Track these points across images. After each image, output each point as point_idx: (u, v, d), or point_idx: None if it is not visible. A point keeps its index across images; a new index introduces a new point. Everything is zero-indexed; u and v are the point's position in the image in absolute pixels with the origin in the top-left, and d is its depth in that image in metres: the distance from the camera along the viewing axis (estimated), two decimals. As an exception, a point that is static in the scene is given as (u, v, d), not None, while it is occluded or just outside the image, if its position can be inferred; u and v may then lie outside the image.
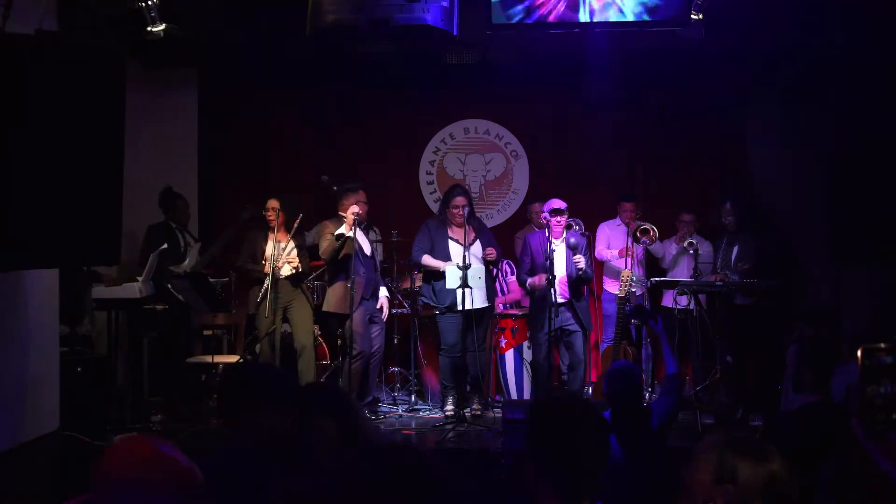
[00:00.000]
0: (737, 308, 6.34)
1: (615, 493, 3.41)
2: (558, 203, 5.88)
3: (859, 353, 1.87)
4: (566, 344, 5.96)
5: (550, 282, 5.65)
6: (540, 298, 5.88)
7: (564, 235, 5.93)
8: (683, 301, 6.39)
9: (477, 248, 5.97)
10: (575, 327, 5.88)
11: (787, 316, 6.23)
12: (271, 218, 5.94)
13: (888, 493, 1.89)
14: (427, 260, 5.98)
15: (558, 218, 5.85)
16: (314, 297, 6.45)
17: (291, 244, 5.92)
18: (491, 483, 4.41)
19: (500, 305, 6.71)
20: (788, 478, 1.72)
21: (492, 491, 4.05)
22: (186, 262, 6.31)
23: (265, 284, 5.79)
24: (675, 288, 6.27)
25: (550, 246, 5.79)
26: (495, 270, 6.47)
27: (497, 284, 6.70)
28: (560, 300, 5.77)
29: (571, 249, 5.81)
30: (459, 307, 5.68)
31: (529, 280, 5.91)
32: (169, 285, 5.91)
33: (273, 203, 5.98)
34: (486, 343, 6.24)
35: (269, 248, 5.91)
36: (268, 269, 5.80)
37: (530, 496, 1.86)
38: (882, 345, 1.88)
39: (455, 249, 5.92)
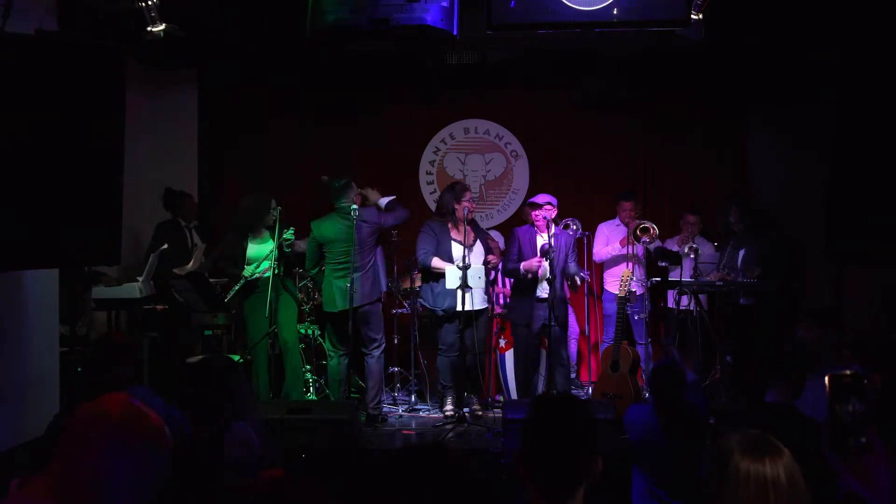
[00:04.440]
0: (740, 308, 6.34)
1: (660, 483, 3.61)
2: (538, 198, 6.00)
3: (826, 381, 1.90)
4: (550, 341, 5.97)
5: (550, 281, 5.68)
6: (525, 295, 6.00)
7: (553, 231, 5.94)
8: (684, 301, 6.39)
9: (478, 248, 5.97)
10: (554, 324, 5.88)
11: (788, 316, 6.23)
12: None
13: None
14: (437, 262, 5.93)
15: (535, 211, 5.95)
16: (314, 297, 6.46)
17: (275, 245, 5.89)
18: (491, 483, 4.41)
19: (501, 297, 6.70)
20: (797, 474, 1.72)
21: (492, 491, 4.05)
22: (191, 264, 6.30)
23: (238, 284, 5.81)
24: (675, 288, 6.27)
25: (551, 242, 5.81)
26: (494, 273, 6.48)
27: (499, 285, 6.70)
28: (542, 296, 5.92)
29: (542, 255, 5.87)
30: (459, 308, 5.68)
31: (524, 264, 5.92)
32: (172, 289, 5.91)
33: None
34: (485, 343, 6.25)
35: (254, 251, 5.88)
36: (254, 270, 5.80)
37: (523, 494, 1.87)
38: (847, 372, 1.91)
39: (458, 251, 5.91)
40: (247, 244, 5.92)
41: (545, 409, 1.96)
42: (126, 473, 1.67)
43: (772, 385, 3.16)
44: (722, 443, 1.79)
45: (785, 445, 1.79)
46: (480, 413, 6.08)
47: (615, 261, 6.76)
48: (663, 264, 6.19)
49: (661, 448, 3.73)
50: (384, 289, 6.13)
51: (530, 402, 2.10)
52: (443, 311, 5.93)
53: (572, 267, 6.07)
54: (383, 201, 6.02)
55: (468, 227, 5.88)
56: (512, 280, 6.44)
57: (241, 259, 5.89)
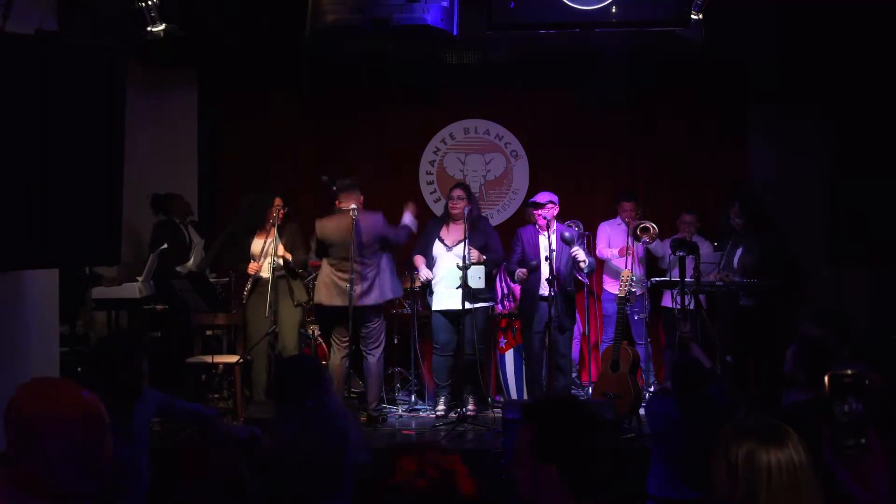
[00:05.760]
0: (740, 308, 6.34)
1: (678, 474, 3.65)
2: (539, 196, 5.94)
3: (826, 380, 1.89)
4: (550, 341, 5.92)
5: (550, 282, 5.65)
6: (529, 294, 5.93)
7: (555, 227, 5.91)
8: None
9: (461, 249, 5.87)
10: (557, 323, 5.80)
11: (788, 316, 6.23)
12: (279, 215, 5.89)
13: None
14: (416, 261, 6.04)
15: (538, 211, 5.88)
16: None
17: (273, 243, 5.87)
18: (491, 483, 4.40)
19: (500, 306, 6.70)
20: (807, 462, 1.72)
21: (492, 491, 4.05)
22: (191, 261, 6.30)
23: (249, 283, 5.83)
24: (675, 288, 6.26)
25: (550, 244, 5.79)
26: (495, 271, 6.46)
27: (498, 286, 6.67)
28: (543, 294, 5.83)
29: (567, 244, 5.78)
30: (457, 307, 5.68)
31: (518, 270, 5.89)
32: (175, 286, 5.92)
33: (279, 201, 5.94)
34: (486, 343, 6.24)
35: (258, 247, 5.89)
36: (253, 269, 5.80)
37: (529, 495, 1.86)
38: (848, 371, 1.90)
39: (438, 250, 5.96)
40: (252, 240, 5.96)
41: (578, 411, 1.95)
42: (70, 453, 1.73)
43: (793, 384, 3.16)
44: (736, 446, 1.77)
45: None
46: (480, 413, 6.07)
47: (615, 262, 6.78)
48: (680, 254, 6.19)
49: (682, 440, 3.73)
50: (389, 296, 5.98)
51: (555, 401, 2.09)
52: (441, 310, 5.94)
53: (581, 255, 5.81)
54: (407, 218, 6.02)
55: (462, 225, 5.85)
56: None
57: (247, 254, 5.93)
